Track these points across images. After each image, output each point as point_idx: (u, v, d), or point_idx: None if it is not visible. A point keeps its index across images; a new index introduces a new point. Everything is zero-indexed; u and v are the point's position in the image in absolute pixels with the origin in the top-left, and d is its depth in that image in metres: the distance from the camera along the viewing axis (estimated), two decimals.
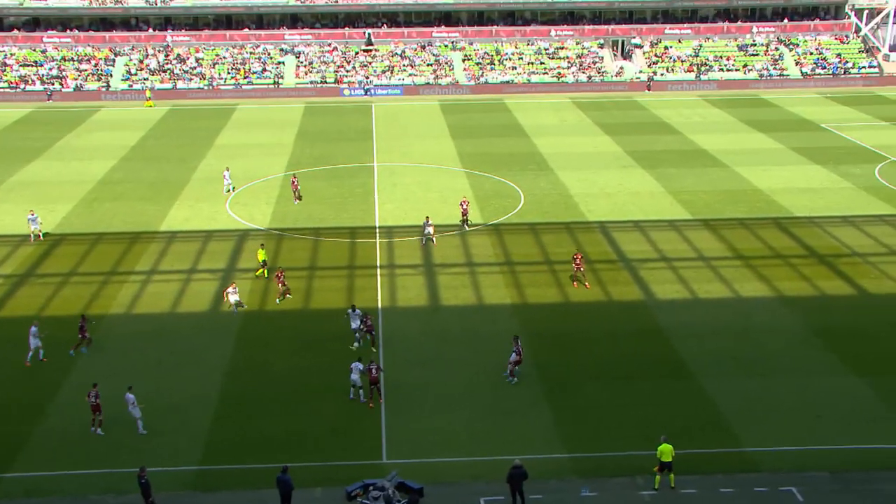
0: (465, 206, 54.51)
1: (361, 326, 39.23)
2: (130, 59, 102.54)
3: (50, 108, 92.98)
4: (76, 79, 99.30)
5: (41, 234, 52.74)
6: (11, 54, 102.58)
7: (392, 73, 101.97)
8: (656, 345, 39.58)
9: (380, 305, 43.59)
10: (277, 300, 43.80)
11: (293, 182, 60.32)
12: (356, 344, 39.02)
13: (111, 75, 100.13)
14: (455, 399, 35.16)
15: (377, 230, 54.20)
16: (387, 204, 59.24)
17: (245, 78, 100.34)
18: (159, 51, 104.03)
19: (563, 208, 58.33)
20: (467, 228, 53.91)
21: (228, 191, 61.30)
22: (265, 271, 46.73)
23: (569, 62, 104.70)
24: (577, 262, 45.78)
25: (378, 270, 47.98)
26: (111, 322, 42.02)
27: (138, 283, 46.58)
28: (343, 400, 35.00)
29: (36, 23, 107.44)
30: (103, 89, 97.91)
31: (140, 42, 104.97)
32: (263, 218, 56.44)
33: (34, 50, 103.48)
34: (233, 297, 42.63)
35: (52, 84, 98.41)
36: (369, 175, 66.32)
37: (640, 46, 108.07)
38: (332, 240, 52.54)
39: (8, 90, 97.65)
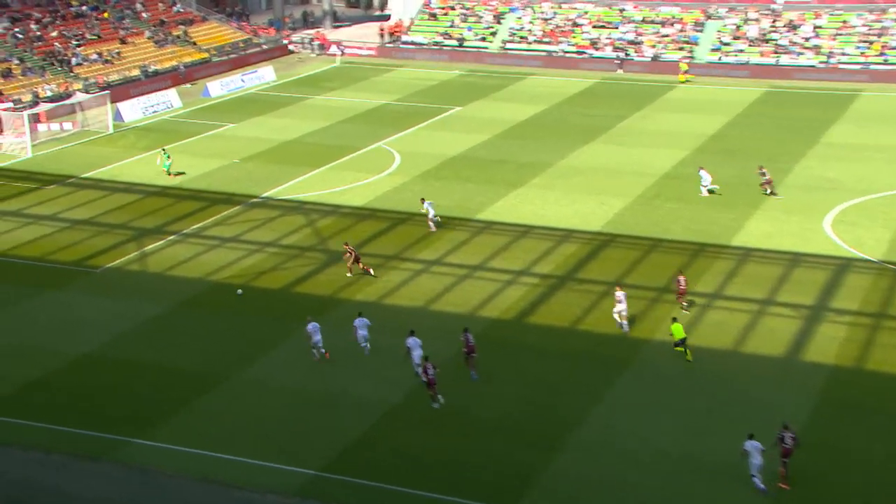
0: None
1: None
2: (725, 25, 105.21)
3: (618, 80, 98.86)
4: (654, 46, 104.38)
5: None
6: (585, 12, 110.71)
7: None
8: None
9: None
10: None
11: None
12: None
13: (697, 43, 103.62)
14: None
15: None
16: None
17: (880, 55, 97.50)
18: (764, 14, 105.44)
19: None
20: None
21: (709, 192, 62.82)
22: None
23: None
24: None
25: None
26: (656, 349, 43.65)
27: (695, 307, 47.56)
28: None
29: None
30: (687, 60, 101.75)
31: (740, 3, 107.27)
32: (877, 245, 54.42)
33: (610, 8, 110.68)
34: None
35: (625, 51, 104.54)
36: None
37: None
38: None
39: (574, 55, 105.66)
